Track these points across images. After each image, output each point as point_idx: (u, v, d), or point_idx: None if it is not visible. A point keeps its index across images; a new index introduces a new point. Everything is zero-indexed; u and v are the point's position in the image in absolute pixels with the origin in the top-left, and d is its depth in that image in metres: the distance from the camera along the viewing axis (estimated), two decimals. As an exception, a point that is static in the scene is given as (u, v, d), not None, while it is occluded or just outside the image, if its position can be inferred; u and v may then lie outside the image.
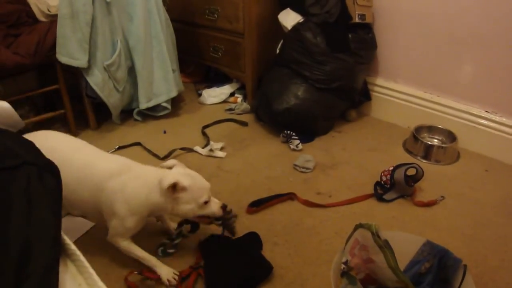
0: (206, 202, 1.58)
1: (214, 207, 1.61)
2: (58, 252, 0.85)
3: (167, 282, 1.59)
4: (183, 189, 1.53)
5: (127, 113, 2.82)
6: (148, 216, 1.63)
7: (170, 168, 1.62)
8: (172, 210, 1.57)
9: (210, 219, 1.67)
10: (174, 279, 1.60)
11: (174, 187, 1.51)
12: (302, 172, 2.28)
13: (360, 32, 2.58)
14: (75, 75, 2.51)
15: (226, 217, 1.73)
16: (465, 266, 1.33)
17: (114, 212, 1.56)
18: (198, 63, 3.26)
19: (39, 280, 0.75)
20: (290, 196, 2.09)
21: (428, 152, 2.43)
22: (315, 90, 2.54)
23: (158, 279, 1.62)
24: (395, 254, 1.32)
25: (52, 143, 1.63)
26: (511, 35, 2.22)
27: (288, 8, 2.66)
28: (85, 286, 0.83)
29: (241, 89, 3.08)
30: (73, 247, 0.86)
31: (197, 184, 1.58)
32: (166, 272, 1.62)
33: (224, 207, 1.64)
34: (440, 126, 2.58)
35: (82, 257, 0.84)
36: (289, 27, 2.60)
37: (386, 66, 2.77)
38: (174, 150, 2.43)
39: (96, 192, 1.57)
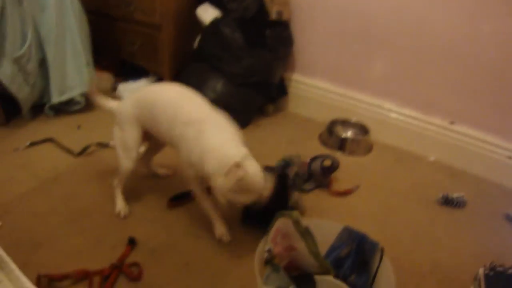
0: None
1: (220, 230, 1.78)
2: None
3: (218, 237, 1.76)
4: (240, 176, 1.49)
5: (39, 108, 2.67)
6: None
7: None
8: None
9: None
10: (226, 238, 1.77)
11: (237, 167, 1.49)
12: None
13: (277, 28, 2.62)
14: (-19, 68, 2.35)
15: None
16: (382, 249, 1.40)
17: (179, 151, 1.68)
18: (114, 56, 3.17)
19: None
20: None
21: (342, 144, 2.52)
22: (233, 84, 2.55)
23: (64, 277, 1.54)
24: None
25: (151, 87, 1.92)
26: (418, 35, 2.37)
27: (207, 3, 2.65)
28: (6, 282, 0.78)
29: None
30: (-11, 241, 0.81)
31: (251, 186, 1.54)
32: (220, 228, 1.77)
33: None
34: (353, 120, 2.68)
35: (2, 252, 0.79)
36: (207, 22, 2.60)
37: (303, 61, 2.83)
38: (89, 146, 2.34)
39: (171, 129, 1.68)
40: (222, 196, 1.54)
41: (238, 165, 1.47)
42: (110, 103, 1.91)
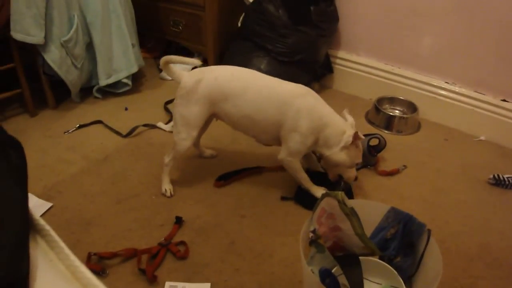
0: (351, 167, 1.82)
1: (352, 174, 1.83)
2: (27, 227, 0.83)
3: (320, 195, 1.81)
4: (358, 143, 1.76)
5: (87, 91, 2.74)
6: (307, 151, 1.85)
7: None
8: (330, 152, 1.77)
9: (338, 178, 1.90)
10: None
11: (356, 135, 1.71)
12: (266, 145, 2.28)
13: (321, 4, 2.57)
14: (31, 53, 2.41)
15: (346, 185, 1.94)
16: (429, 230, 1.37)
17: (297, 127, 1.73)
18: (158, 37, 3.20)
19: (9, 255, 0.73)
20: (258, 170, 2.09)
21: (390, 123, 2.48)
22: (278, 63, 2.54)
23: (113, 255, 1.60)
24: (361, 221, 1.35)
25: (232, 70, 1.90)
26: (469, 9, 2.27)
27: (250, -19, 2.63)
28: (56, 261, 0.81)
29: (203, 63, 3.04)
30: (42, 222, 0.84)
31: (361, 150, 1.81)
32: (317, 189, 1.89)
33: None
34: (401, 97, 2.62)
35: (52, 232, 0.82)
36: (251, 0, 2.58)
37: (348, 38, 2.78)
38: (137, 127, 2.39)
39: (282, 108, 1.75)
40: (341, 161, 1.78)
41: (356, 136, 1.70)
42: (178, 73, 1.84)
